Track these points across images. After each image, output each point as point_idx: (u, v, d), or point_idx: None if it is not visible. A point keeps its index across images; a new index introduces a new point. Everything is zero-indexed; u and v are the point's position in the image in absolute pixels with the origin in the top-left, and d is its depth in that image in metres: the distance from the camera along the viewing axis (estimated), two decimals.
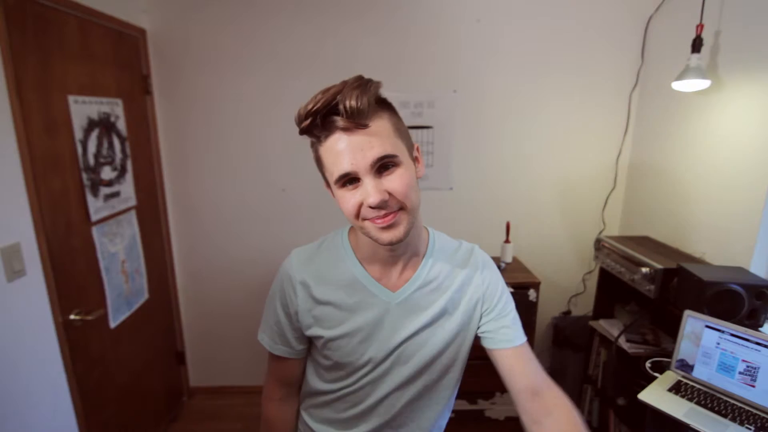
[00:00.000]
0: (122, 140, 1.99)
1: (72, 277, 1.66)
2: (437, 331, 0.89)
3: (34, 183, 1.45)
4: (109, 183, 1.89)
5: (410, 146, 0.81)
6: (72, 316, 1.63)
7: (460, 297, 0.90)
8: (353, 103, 0.70)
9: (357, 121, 0.71)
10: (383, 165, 0.74)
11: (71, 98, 1.66)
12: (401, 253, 0.87)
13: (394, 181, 0.75)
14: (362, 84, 0.72)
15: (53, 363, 1.53)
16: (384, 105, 0.78)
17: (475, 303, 0.91)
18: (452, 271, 0.91)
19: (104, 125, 1.86)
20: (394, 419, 0.92)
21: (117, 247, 1.94)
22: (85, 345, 1.73)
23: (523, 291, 2.15)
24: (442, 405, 0.96)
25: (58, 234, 1.59)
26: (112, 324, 1.89)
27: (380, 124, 0.74)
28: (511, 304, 0.94)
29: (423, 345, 0.88)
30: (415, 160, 0.82)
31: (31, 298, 1.44)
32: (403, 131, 0.80)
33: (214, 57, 2.26)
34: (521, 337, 0.90)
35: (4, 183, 1.34)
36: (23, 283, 1.40)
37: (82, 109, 1.72)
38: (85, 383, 1.70)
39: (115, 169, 1.93)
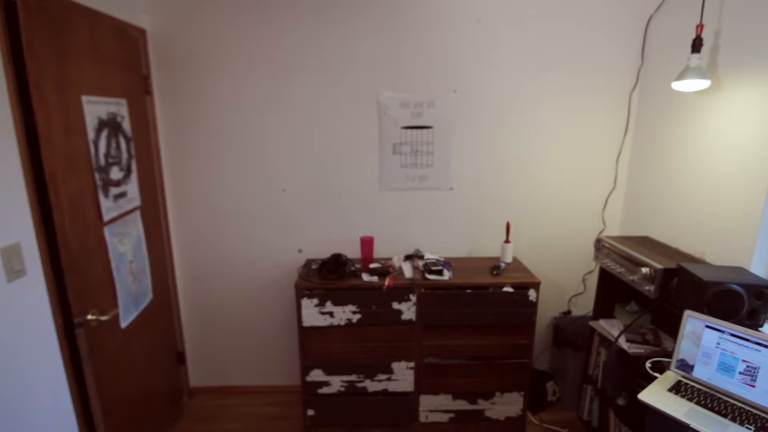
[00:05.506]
0: (128, 140, 1.99)
1: (87, 277, 1.66)
2: None
3: (36, 185, 1.45)
4: (117, 183, 1.89)
5: None
6: (89, 317, 1.63)
7: None
8: None
9: None
10: None
11: (84, 98, 1.66)
12: None
13: None
14: None
15: (54, 363, 1.53)
16: None
17: None
18: None
19: (112, 125, 1.86)
20: None
21: (125, 247, 1.94)
22: (99, 345, 1.73)
23: (523, 291, 2.15)
24: None
25: (77, 234, 1.59)
26: (123, 324, 1.89)
27: None
28: None
29: None
30: None
31: (31, 298, 1.44)
32: None
33: (214, 57, 2.26)
34: None
35: (4, 183, 1.34)
36: (23, 283, 1.40)
37: (93, 109, 1.72)
38: (98, 384, 1.70)
39: (122, 169, 1.93)
